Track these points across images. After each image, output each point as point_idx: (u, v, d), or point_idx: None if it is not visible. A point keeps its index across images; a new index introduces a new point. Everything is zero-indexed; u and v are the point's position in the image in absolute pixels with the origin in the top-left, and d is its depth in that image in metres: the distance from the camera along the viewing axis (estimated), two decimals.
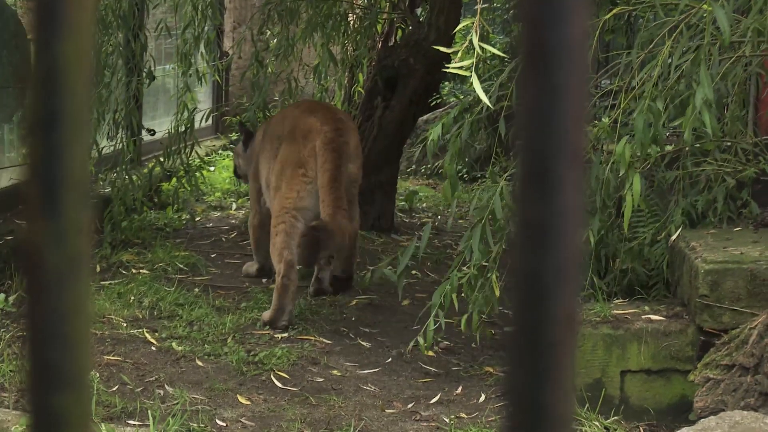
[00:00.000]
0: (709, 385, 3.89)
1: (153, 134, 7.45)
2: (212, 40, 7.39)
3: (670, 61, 3.99)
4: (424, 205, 8.38)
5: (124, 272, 5.83)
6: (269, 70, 7.24)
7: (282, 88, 7.51)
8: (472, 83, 3.94)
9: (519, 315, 0.54)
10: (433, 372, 4.66)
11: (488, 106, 4.10)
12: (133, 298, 5.34)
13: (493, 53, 4.26)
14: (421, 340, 4.35)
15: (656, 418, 4.16)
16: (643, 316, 4.28)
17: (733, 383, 3.82)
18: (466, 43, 4.10)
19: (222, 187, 8.25)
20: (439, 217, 7.78)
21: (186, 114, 7.00)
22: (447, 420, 4.09)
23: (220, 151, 9.36)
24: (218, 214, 7.68)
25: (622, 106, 4.17)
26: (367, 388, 4.45)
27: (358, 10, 7.55)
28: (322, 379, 4.51)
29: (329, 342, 4.98)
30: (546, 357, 0.53)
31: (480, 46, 3.95)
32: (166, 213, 7.18)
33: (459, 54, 4.20)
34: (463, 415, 4.17)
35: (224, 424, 3.96)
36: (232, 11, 10.25)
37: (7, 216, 5.82)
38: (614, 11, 4.38)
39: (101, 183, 6.68)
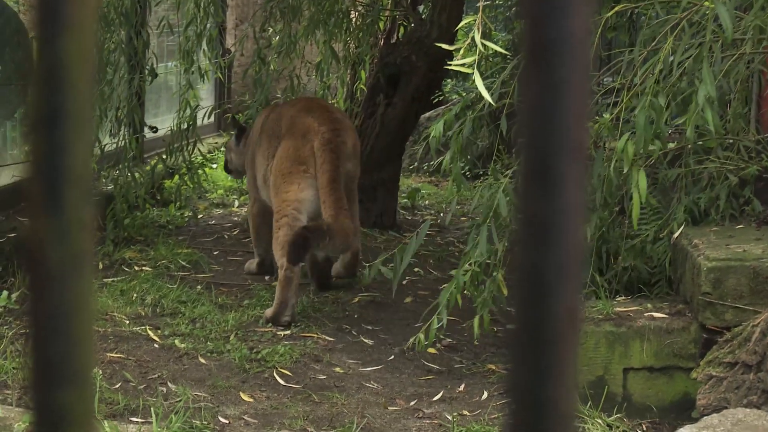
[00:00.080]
0: (712, 382, 3.89)
1: (155, 131, 7.45)
2: (214, 37, 7.38)
3: (672, 58, 3.98)
4: (427, 202, 8.37)
5: (126, 269, 5.83)
6: (271, 67, 7.24)
7: (284, 85, 7.52)
8: (474, 80, 3.94)
9: (521, 312, 0.54)
10: (435, 369, 4.66)
11: (490, 103, 4.10)
12: (135, 295, 5.34)
13: (496, 50, 4.26)
14: (422, 336, 4.34)
15: (659, 415, 4.16)
16: (645, 314, 4.28)
17: (735, 381, 3.82)
18: (469, 40, 4.10)
19: (224, 184, 8.25)
20: (441, 214, 7.78)
21: (188, 111, 7.00)
22: (449, 417, 4.09)
23: (222, 149, 9.36)
24: (220, 211, 7.69)
25: (624, 103, 4.17)
26: (370, 385, 4.45)
27: (360, 8, 7.55)
28: (324, 377, 4.51)
29: (332, 339, 4.98)
30: (548, 354, 0.53)
31: (482, 44, 3.94)
32: (169, 210, 7.18)
33: (461, 51, 4.20)
34: (465, 412, 4.17)
35: (227, 422, 3.97)
36: (234, 8, 10.25)
37: (9, 213, 5.83)
38: (616, 8, 4.37)
39: (104, 180, 6.68)
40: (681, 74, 4.01)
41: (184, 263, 6.01)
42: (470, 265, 4.20)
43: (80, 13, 0.57)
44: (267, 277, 5.88)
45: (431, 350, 4.80)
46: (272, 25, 7.35)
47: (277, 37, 7.29)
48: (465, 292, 4.26)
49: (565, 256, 0.53)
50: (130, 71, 6.88)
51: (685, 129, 4.00)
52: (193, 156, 7.27)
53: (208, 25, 6.98)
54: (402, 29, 7.40)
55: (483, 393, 4.38)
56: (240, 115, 7.52)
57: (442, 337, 4.83)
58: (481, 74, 3.96)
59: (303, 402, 4.20)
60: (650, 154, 4.47)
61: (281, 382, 4.42)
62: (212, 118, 8.56)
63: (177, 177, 7.28)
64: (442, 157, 7.07)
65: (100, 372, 4.28)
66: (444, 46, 4.83)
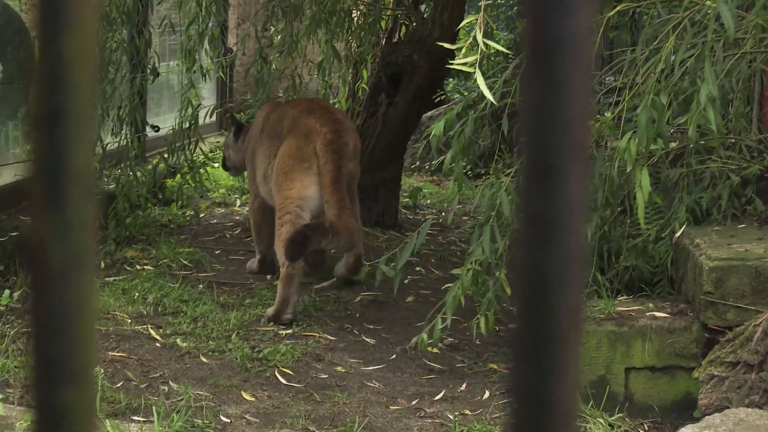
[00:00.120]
0: (714, 382, 3.89)
1: (157, 131, 7.45)
2: (216, 36, 7.38)
3: (673, 57, 3.98)
4: (428, 201, 8.37)
5: (128, 268, 5.83)
6: (273, 66, 7.24)
7: (286, 84, 7.51)
8: (476, 80, 3.94)
9: (523, 310, 0.54)
10: (437, 369, 4.66)
11: (492, 102, 4.10)
12: (137, 294, 5.35)
13: (497, 50, 4.26)
14: (425, 336, 4.34)
15: (660, 415, 4.16)
16: (647, 313, 4.27)
17: (737, 380, 3.82)
18: (470, 39, 4.10)
19: (226, 183, 8.25)
20: (443, 213, 7.78)
21: (190, 110, 7.01)
22: (451, 417, 4.09)
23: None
24: (222, 210, 7.69)
25: (625, 102, 4.17)
26: (372, 384, 4.45)
27: (362, 7, 7.54)
28: (326, 376, 4.51)
29: (333, 338, 4.98)
30: (550, 353, 0.53)
31: (484, 43, 3.94)
32: (171, 209, 7.19)
33: (463, 50, 4.19)
34: (467, 411, 4.17)
35: (228, 421, 3.97)
36: (236, 7, 10.26)
37: (11, 212, 5.83)
38: (618, 8, 4.37)
39: (105, 179, 6.68)
40: (683, 73, 4.01)
41: (185, 262, 6.01)
42: (471, 264, 4.20)
43: (82, 11, 0.57)
44: (269, 276, 5.89)
45: (433, 350, 4.80)
46: (274, 24, 7.35)
47: (279, 36, 7.29)
48: (468, 291, 4.26)
49: (566, 255, 0.53)
50: (132, 70, 6.89)
51: (687, 128, 3.99)
52: (194, 155, 7.27)
53: (210, 24, 6.98)
54: (404, 28, 7.40)
55: (485, 392, 4.38)
56: (242, 114, 7.52)
57: (444, 336, 4.83)
58: (483, 73, 3.96)
59: (304, 401, 4.20)
60: (652, 153, 4.47)
61: (283, 381, 4.42)
62: (214, 117, 8.56)
63: (179, 176, 7.28)
64: (442, 157, 7.06)
65: (102, 371, 4.29)
66: (446, 45, 4.83)
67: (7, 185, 5.93)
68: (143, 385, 4.23)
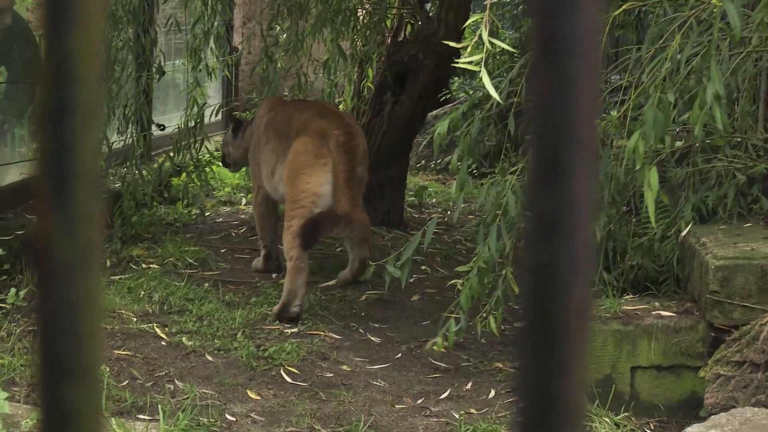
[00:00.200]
0: (720, 381, 3.88)
1: (163, 129, 7.46)
2: (222, 35, 7.39)
3: (679, 56, 3.97)
4: (434, 200, 8.37)
5: (134, 267, 5.84)
6: (279, 65, 7.24)
7: (291, 83, 7.52)
8: (481, 78, 3.93)
9: (531, 308, 0.54)
10: (442, 368, 4.66)
11: (498, 102, 4.09)
12: (143, 292, 5.35)
13: (503, 48, 4.25)
14: (440, 340, 4.33)
15: (666, 414, 4.15)
16: (653, 312, 4.27)
17: (743, 380, 3.81)
18: (476, 38, 4.09)
19: (232, 182, 8.26)
20: (449, 212, 7.78)
21: (196, 109, 7.01)
22: (456, 416, 4.09)
23: None
24: (228, 209, 7.70)
25: (631, 101, 4.16)
26: (377, 383, 4.45)
27: (367, 6, 7.54)
28: (331, 374, 4.51)
29: (339, 337, 4.98)
30: (558, 350, 0.53)
31: (489, 41, 3.94)
32: (176, 208, 7.19)
33: (468, 49, 4.19)
34: (472, 410, 4.16)
35: (234, 419, 3.97)
36: (241, 6, 10.26)
37: (17, 210, 5.84)
38: (624, 7, 4.36)
39: (111, 178, 6.69)
40: (689, 72, 4.00)
41: (191, 261, 6.02)
42: (474, 262, 4.19)
43: (88, 8, 0.57)
44: (274, 275, 5.89)
45: (436, 347, 4.80)
46: (279, 23, 7.36)
47: (285, 35, 7.29)
48: (475, 294, 4.25)
49: (574, 251, 0.53)
50: (138, 69, 6.89)
51: (693, 127, 3.99)
52: (200, 154, 7.28)
53: (216, 23, 6.98)
54: (409, 27, 7.40)
55: (490, 391, 4.37)
56: (248, 113, 7.52)
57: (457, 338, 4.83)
58: (489, 72, 3.95)
59: (310, 400, 4.20)
60: (659, 152, 4.46)
61: (288, 379, 4.42)
62: (219, 116, 8.56)
63: (184, 175, 7.29)
64: (447, 157, 7.03)
65: (108, 369, 4.29)
66: (451, 44, 4.83)
67: (14, 184, 5.94)
68: (149, 384, 4.23)
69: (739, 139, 4.96)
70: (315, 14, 7.17)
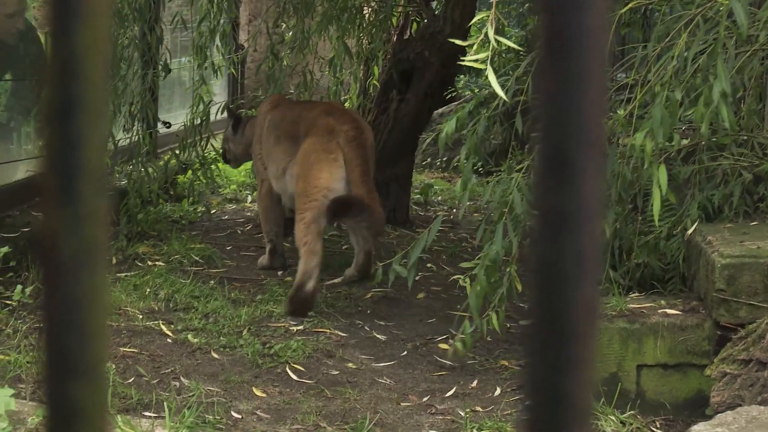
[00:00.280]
0: (726, 379, 3.88)
1: (169, 127, 7.47)
2: (228, 32, 7.39)
3: (686, 54, 3.97)
4: (439, 198, 8.37)
5: (140, 264, 5.84)
6: (284, 63, 7.25)
7: (297, 81, 7.52)
8: (487, 76, 3.93)
9: (538, 306, 0.54)
10: (448, 365, 4.66)
11: (505, 100, 4.09)
12: (149, 290, 5.36)
13: (509, 46, 4.25)
14: (459, 344, 4.33)
15: (672, 412, 4.15)
16: (659, 311, 4.26)
17: (750, 378, 3.81)
18: (482, 36, 4.09)
19: (237, 179, 8.26)
20: (454, 210, 7.78)
21: (201, 107, 7.02)
22: (462, 413, 4.09)
23: None
24: (233, 206, 7.70)
25: (638, 99, 4.15)
26: (383, 381, 4.45)
27: (373, 3, 7.54)
28: (337, 372, 4.51)
29: (344, 335, 4.98)
30: (566, 348, 0.53)
31: (495, 39, 3.93)
32: (182, 205, 7.20)
33: (474, 47, 4.18)
34: (478, 408, 4.16)
35: (239, 417, 3.97)
36: (247, 4, 10.26)
37: (23, 208, 5.85)
38: (630, 5, 4.36)
39: (117, 175, 6.70)
40: (695, 70, 4.00)
41: (197, 258, 6.02)
42: (481, 260, 4.19)
43: (94, 6, 0.57)
44: (280, 272, 5.89)
45: (444, 346, 4.80)
46: (285, 21, 7.36)
47: (290, 33, 7.29)
48: (485, 293, 4.25)
49: (582, 248, 0.53)
50: (144, 67, 6.90)
51: (699, 126, 3.98)
52: (206, 151, 7.29)
53: (222, 21, 6.99)
54: (415, 25, 7.40)
55: (496, 389, 4.37)
56: (253, 110, 7.53)
57: (454, 333, 4.83)
58: (495, 71, 3.95)
59: (315, 397, 4.21)
60: (665, 150, 4.46)
61: (294, 377, 4.42)
62: (225, 114, 8.56)
63: (190, 172, 7.29)
64: (456, 155, 7.04)
65: (114, 366, 4.30)
66: (457, 42, 4.82)
67: (20, 181, 5.94)
68: (154, 381, 4.24)
69: (745, 137, 4.95)
70: (321, 12, 7.17)
